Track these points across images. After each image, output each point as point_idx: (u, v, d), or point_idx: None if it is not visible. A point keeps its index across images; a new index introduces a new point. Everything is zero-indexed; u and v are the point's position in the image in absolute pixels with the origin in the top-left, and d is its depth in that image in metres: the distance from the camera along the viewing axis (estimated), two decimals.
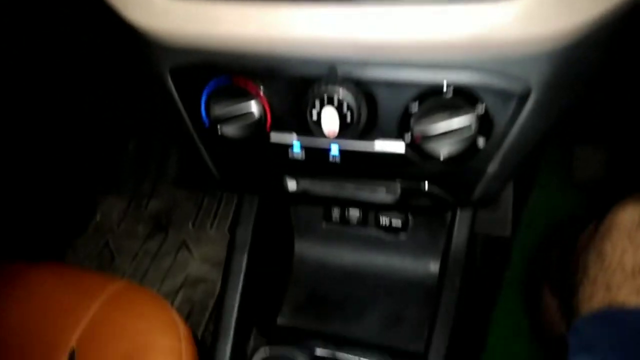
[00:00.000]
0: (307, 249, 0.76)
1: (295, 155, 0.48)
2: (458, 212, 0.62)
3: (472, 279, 0.91)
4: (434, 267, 0.71)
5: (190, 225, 1.23)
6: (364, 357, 0.58)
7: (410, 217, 0.71)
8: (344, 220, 0.74)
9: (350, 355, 0.58)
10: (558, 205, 1.11)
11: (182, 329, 0.58)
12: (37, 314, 0.60)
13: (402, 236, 0.72)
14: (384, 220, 0.71)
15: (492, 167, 0.46)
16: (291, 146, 0.48)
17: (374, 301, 0.71)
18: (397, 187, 0.52)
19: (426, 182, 0.50)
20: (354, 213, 0.73)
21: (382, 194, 0.53)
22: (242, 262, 0.61)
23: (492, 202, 0.51)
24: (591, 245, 0.42)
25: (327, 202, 0.69)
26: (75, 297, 0.60)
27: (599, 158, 1.08)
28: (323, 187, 0.54)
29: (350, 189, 0.54)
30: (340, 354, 0.57)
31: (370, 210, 0.72)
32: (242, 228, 0.64)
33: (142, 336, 0.56)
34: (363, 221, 0.73)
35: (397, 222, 0.71)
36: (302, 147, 0.48)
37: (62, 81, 1.17)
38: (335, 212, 0.74)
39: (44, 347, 0.57)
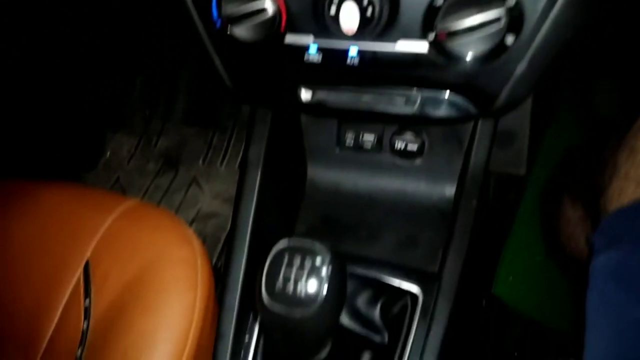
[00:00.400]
0: (320, 175, 0.74)
1: (311, 59, 0.46)
2: (479, 126, 0.60)
3: (487, 203, 0.90)
4: (449, 191, 0.70)
5: (200, 162, 1.22)
6: (378, 273, 0.58)
7: (426, 141, 0.69)
8: (358, 145, 0.72)
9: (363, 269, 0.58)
10: (574, 143, 1.09)
11: (197, 243, 0.57)
12: (51, 229, 0.60)
13: (418, 161, 0.71)
14: (399, 144, 0.69)
15: (520, 68, 0.43)
16: (307, 48, 0.46)
17: (388, 225, 0.70)
18: (417, 96, 0.50)
19: (448, 89, 0.48)
20: (368, 138, 0.71)
21: (400, 104, 0.51)
22: (256, 178, 0.60)
23: (513, 109, 0.49)
24: (623, 144, 0.40)
25: (342, 115, 0.67)
26: (89, 212, 0.60)
27: (618, 91, 1.05)
28: (339, 97, 0.52)
29: (367, 100, 0.52)
30: (355, 268, 0.57)
31: (386, 132, 0.70)
32: (255, 145, 0.63)
33: (157, 248, 0.56)
34: (377, 146, 0.71)
35: (412, 146, 0.69)
36: (318, 49, 0.45)
37: (71, 21, 1.14)
38: (349, 137, 0.72)
39: (60, 259, 0.58)
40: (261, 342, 0.55)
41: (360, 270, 0.58)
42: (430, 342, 0.53)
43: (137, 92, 1.34)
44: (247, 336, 0.55)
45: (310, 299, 0.35)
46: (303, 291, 0.35)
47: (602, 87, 1.05)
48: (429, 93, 0.49)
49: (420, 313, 0.55)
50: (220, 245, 1.08)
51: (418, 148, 0.68)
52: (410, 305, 0.56)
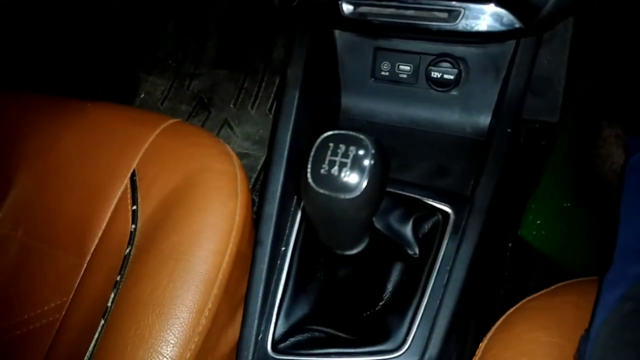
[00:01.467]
0: (354, 104, 0.75)
1: None
2: (519, 48, 0.59)
3: (519, 140, 0.90)
4: (483, 122, 0.70)
5: (231, 105, 1.24)
6: (411, 192, 0.59)
7: (463, 71, 0.68)
8: (393, 76, 0.72)
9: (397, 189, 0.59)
10: None
11: (235, 158, 0.60)
12: (98, 143, 0.63)
13: (453, 92, 0.71)
14: (435, 74, 0.69)
15: None
16: None
17: (421, 155, 0.71)
18: (460, 9, 0.50)
19: (492, 2, 0.48)
20: (404, 68, 0.71)
21: (443, 18, 0.51)
22: (295, 95, 0.62)
23: (557, 22, 0.48)
24: None
25: (382, 32, 0.66)
26: (135, 127, 0.62)
27: None
28: (380, 11, 0.52)
29: (409, 14, 0.52)
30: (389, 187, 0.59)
31: (422, 63, 0.69)
32: (294, 65, 0.64)
33: (200, 160, 0.58)
34: (413, 77, 0.71)
35: (449, 76, 0.69)
36: None
37: None
38: (385, 68, 0.72)
39: (108, 169, 0.61)
40: (297, 252, 0.57)
41: (394, 190, 0.60)
42: (461, 256, 0.55)
43: (169, 35, 1.35)
44: (283, 247, 0.57)
45: (352, 186, 0.37)
46: (346, 177, 0.37)
47: None
48: (472, 6, 0.49)
49: (452, 229, 0.57)
50: (251, 184, 1.11)
51: (454, 78, 0.68)
52: (442, 223, 0.58)
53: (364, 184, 0.37)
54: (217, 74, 1.29)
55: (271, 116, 1.21)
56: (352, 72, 0.74)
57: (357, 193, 0.37)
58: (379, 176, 0.37)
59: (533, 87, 1.04)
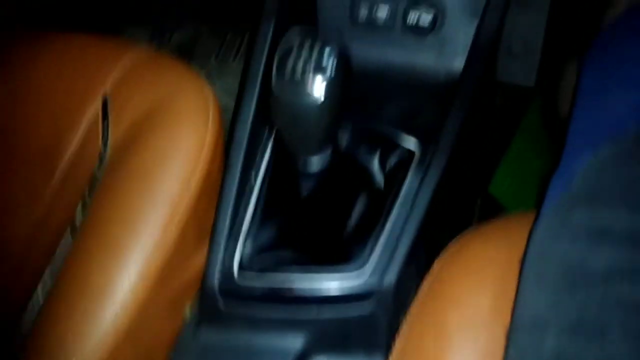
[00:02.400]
0: None
1: None
2: None
3: (492, 92, 0.91)
4: (457, 67, 0.71)
5: (212, 58, 1.23)
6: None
7: (439, 13, 0.69)
8: (371, 20, 0.73)
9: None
10: None
11: (207, 87, 0.60)
12: (69, 69, 0.63)
13: (429, 38, 0.72)
14: (412, 15, 0.70)
15: None
16: None
17: (394, 99, 0.72)
18: None
19: None
20: (382, 10, 0.72)
21: None
22: (268, 32, 0.62)
23: None
24: None
25: None
26: (103, 52, 0.62)
27: None
28: None
29: None
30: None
31: (399, 5, 0.70)
32: (269, 8, 0.64)
33: (173, 85, 0.58)
34: (390, 20, 0.72)
35: (426, 18, 0.69)
36: None
37: None
38: (362, 11, 0.73)
39: (78, 95, 0.60)
40: (267, 178, 0.58)
41: (364, 126, 0.61)
42: (423, 190, 0.56)
43: None
44: (253, 173, 0.58)
45: (314, 90, 0.38)
46: (309, 82, 0.38)
47: None
48: None
49: (417, 165, 0.58)
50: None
51: (431, 20, 0.69)
52: (408, 159, 0.59)
53: (325, 89, 0.38)
54: (200, 28, 1.27)
55: None
56: (329, 17, 0.75)
57: (319, 96, 0.38)
58: (340, 82, 0.38)
59: (510, 49, 1.05)
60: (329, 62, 0.37)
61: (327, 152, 0.45)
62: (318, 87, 0.37)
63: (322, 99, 0.37)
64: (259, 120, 0.59)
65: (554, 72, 1.09)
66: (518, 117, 1.09)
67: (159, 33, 1.28)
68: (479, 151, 0.91)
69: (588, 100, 0.35)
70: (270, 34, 0.63)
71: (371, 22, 0.73)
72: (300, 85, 0.37)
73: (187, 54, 1.25)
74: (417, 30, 0.71)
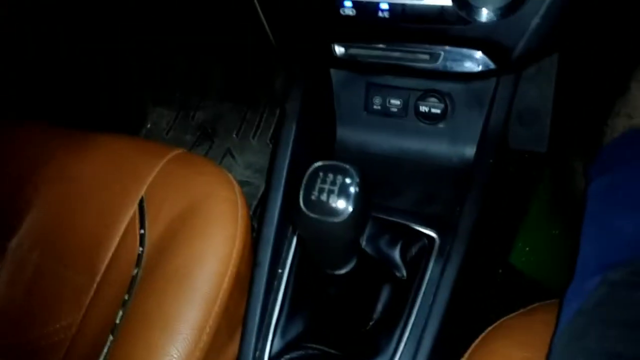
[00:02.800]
0: (349, 136, 0.80)
1: (347, 11, 0.52)
2: (499, 85, 0.65)
3: (505, 162, 0.94)
4: (469, 153, 0.74)
5: (234, 135, 1.30)
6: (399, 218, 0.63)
7: (449, 105, 0.74)
8: (385, 110, 0.78)
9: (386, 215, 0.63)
10: None
11: (236, 186, 0.64)
12: (110, 171, 0.68)
13: (440, 125, 0.76)
14: (423, 107, 0.75)
15: (535, 22, 0.48)
16: (343, 3, 0.52)
17: (410, 184, 0.75)
18: (440, 52, 0.55)
19: (467, 44, 0.53)
20: (395, 102, 0.77)
21: (425, 59, 0.56)
22: (292, 128, 0.67)
23: (528, 64, 0.54)
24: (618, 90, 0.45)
25: (372, 69, 0.72)
26: (143, 156, 0.67)
27: None
28: (369, 52, 0.57)
29: (395, 55, 0.57)
30: (378, 214, 0.63)
31: (411, 97, 0.75)
32: (292, 101, 0.69)
33: (204, 187, 0.62)
34: (403, 110, 0.77)
35: (436, 110, 0.74)
36: (353, 3, 0.51)
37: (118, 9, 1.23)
38: (377, 102, 0.78)
39: (118, 196, 0.65)
40: (293, 273, 0.61)
41: (383, 216, 0.64)
42: (445, 279, 0.59)
43: (177, 69, 1.42)
44: (280, 269, 0.61)
45: (339, 210, 0.41)
46: (334, 203, 0.41)
47: None
48: (450, 49, 0.54)
49: (437, 253, 0.61)
50: (251, 210, 1.15)
51: (441, 112, 0.73)
52: (428, 247, 0.62)
53: (350, 208, 0.41)
54: (221, 106, 1.35)
55: (271, 146, 1.27)
56: (346, 106, 0.80)
57: (343, 217, 0.41)
58: (363, 202, 0.42)
59: (521, 118, 1.09)
60: (353, 184, 0.41)
61: (352, 264, 0.48)
62: (343, 208, 0.41)
63: (347, 218, 0.41)
64: (284, 216, 0.63)
65: (563, 170, 1.12)
66: (533, 183, 1.12)
67: (183, 111, 1.36)
68: (497, 226, 0.93)
69: (595, 225, 0.38)
70: (294, 130, 0.68)
71: (385, 110, 0.78)
72: (326, 205, 0.41)
73: (210, 131, 1.32)
74: (428, 117, 0.75)
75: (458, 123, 0.74)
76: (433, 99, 0.74)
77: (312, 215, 0.42)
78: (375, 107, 0.78)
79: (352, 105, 0.80)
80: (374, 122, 0.79)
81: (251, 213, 1.15)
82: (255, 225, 1.07)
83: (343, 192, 0.41)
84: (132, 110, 1.38)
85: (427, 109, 0.74)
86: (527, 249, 0.98)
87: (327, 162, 0.42)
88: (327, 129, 0.81)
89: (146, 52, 1.39)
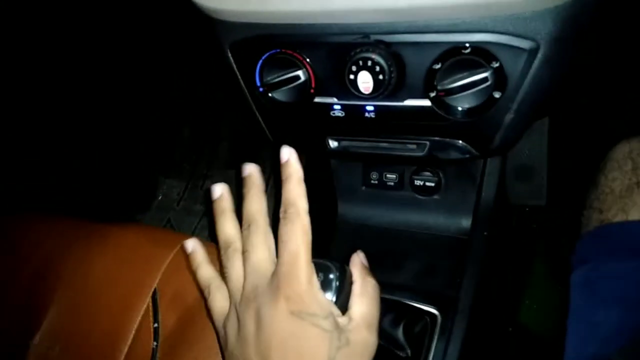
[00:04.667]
0: (349, 210, 0.84)
1: (336, 114, 0.56)
2: (487, 164, 0.68)
3: (504, 232, 0.96)
4: (465, 223, 0.77)
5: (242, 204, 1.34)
6: (401, 297, 0.66)
7: (442, 179, 0.77)
8: (382, 183, 0.81)
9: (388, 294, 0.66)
10: None
11: None
12: (124, 264, 0.71)
13: (436, 197, 0.79)
14: (418, 182, 0.78)
15: (509, 117, 0.52)
16: (332, 106, 0.56)
17: (410, 255, 0.78)
18: (426, 142, 0.59)
19: (450, 136, 0.57)
20: (391, 177, 0.81)
21: (412, 149, 0.60)
22: None
23: (508, 150, 0.57)
24: (591, 181, 0.48)
25: (365, 159, 0.76)
26: (155, 247, 0.71)
27: None
28: (360, 145, 0.62)
29: (384, 146, 0.61)
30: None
31: (406, 172, 0.79)
32: None
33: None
34: (399, 184, 0.80)
35: (430, 184, 0.77)
36: (341, 106, 0.56)
37: (126, 79, 1.31)
38: (374, 177, 0.82)
39: (132, 289, 0.68)
40: None
41: (385, 295, 0.66)
42: (449, 356, 0.60)
43: (184, 140, 1.49)
44: None
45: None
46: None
47: None
48: (435, 139, 0.58)
49: (439, 331, 0.62)
50: None
51: (435, 185, 0.77)
52: (430, 325, 0.63)
53: (333, 300, 0.44)
54: (229, 174, 1.40)
55: None
56: (345, 183, 0.84)
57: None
58: (346, 295, 0.45)
59: (518, 174, 1.12)
60: (334, 281, 0.44)
61: None
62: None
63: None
64: None
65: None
66: (535, 237, 1.13)
67: (192, 181, 1.42)
68: (501, 288, 0.94)
69: (577, 318, 0.40)
70: None
71: (382, 184, 0.82)
72: None
73: None
74: (424, 191, 0.79)
75: (453, 195, 0.78)
76: (427, 173, 0.78)
77: None
78: (372, 181, 0.82)
79: (350, 182, 0.84)
80: (372, 195, 0.83)
81: None
82: None
83: (326, 286, 0.44)
84: (143, 182, 1.44)
85: (421, 183, 0.78)
86: (535, 306, 0.99)
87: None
88: (328, 205, 0.84)
89: (153, 125, 1.46)
